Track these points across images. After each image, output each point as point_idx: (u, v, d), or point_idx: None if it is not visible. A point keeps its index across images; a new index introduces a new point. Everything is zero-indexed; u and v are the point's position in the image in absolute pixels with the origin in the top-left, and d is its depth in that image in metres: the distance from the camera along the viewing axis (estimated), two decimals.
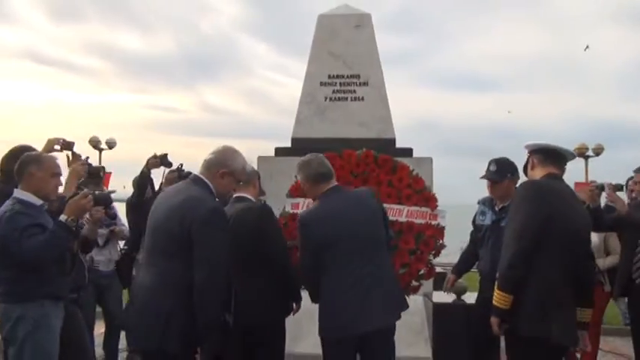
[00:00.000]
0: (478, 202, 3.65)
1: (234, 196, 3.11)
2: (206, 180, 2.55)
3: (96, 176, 3.15)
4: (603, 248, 4.30)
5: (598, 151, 13.10)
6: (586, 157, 13.15)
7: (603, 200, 3.81)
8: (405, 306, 2.90)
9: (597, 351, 4.49)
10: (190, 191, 2.50)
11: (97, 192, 2.95)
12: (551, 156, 2.73)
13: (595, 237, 4.28)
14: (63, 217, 2.71)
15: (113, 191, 3.63)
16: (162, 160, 4.34)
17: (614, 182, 3.66)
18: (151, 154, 4.43)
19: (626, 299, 4.02)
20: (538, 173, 2.71)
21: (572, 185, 6.29)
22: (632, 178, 4.60)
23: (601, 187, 3.55)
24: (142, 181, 4.40)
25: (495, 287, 2.57)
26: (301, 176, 2.94)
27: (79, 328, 3.27)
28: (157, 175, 4.45)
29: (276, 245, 3.03)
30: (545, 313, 2.47)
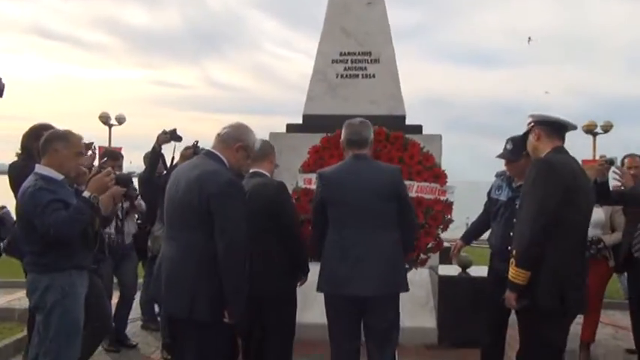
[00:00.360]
0: (496, 175, 3.67)
1: (250, 171, 3.23)
2: (219, 154, 2.65)
3: (125, 184, 3.26)
4: (609, 224, 4.37)
5: (607, 128, 12.94)
6: (594, 134, 13.00)
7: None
8: (400, 287, 2.95)
9: (598, 323, 4.63)
10: (206, 165, 2.59)
11: (118, 172, 3.05)
12: (557, 128, 2.78)
13: (601, 213, 4.35)
14: (86, 194, 2.80)
15: (133, 172, 3.74)
16: (172, 136, 4.43)
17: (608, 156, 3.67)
18: (159, 131, 4.51)
19: (626, 274, 4.12)
20: (545, 146, 2.75)
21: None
22: (629, 155, 4.69)
23: (610, 162, 3.57)
24: (154, 157, 4.51)
25: (512, 264, 2.60)
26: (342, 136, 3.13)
27: (100, 297, 3.43)
28: (168, 151, 4.56)
29: (292, 219, 3.18)
30: (564, 286, 2.57)
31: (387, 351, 2.96)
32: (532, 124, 2.83)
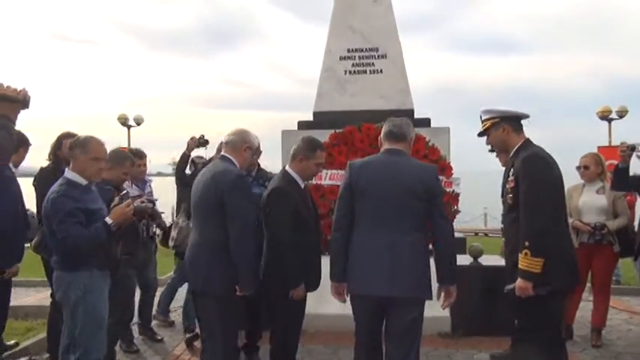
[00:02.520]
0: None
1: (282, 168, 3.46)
2: (230, 157, 3.15)
3: (141, 214, 3.68)
4: (612, 210, 4.41)
5: (622, 114, 12.69)
6: (609, 120, 12.75)
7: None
8: (424, 293, 2.77)
9: (607, 308, 4.67)
10: (218, 167, 3.11)
11: (136, 204, 3.40)
12: (519, 122, 2.95)
13: (604, 199, 4.40)
14: (108, 220, 2.97)
15: (154, 201, 4.08)
16: (199, 141, 4.88)
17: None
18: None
19: None
20: (514, 139, 2.92)
21: (595, 149, 6.30)
22: None
23: (632, 148, 3.64)
24: (183, 160, 4.92)
25: (526, 255, 2.68)
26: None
27: (127, 288, 3.73)
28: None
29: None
30: (572, 264, 2.79)
31: (410, 354, 2.77)
32: (497, 119, 2.94)
